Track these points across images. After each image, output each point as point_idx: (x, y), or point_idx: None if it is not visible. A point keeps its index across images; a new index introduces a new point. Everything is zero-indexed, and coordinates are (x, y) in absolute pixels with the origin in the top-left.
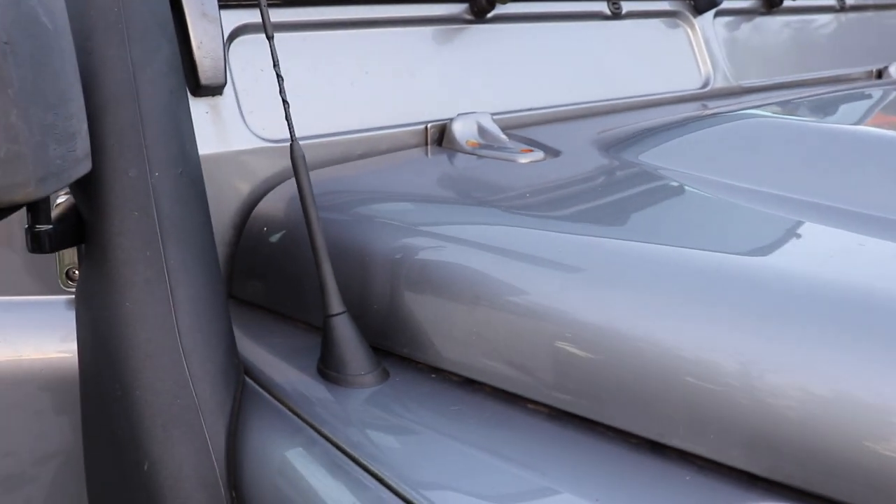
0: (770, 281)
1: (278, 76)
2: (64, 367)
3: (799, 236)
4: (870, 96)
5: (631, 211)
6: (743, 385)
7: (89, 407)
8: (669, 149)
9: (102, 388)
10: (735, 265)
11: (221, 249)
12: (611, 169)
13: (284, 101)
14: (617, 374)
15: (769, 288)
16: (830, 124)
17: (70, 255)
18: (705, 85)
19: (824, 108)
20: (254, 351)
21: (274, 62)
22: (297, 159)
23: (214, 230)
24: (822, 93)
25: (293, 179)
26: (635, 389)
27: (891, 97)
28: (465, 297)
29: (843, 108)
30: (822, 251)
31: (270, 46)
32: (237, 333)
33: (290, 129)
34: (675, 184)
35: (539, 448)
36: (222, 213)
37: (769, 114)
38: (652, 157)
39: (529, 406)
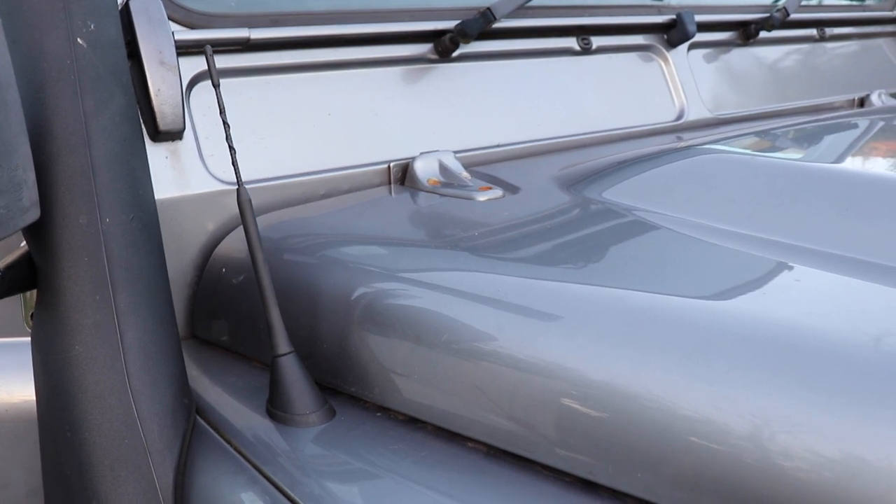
0: (718, 322)
1: (224, 123)
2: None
3: (749, 274)
4: (847, 125)
5: (581, 249)
6: (677, 425)
7: (45, 448)
8: (629, 185)
9: (55, 429)
10: (678, 306)
11: (183, 290)
12: (566, 206)
13: (231, 148)
14: (550, 414)
15: (707, 328)
16: (787, 160)
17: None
18: (679, 117)
19: (797, 139)
20: (208, 390)
21: (220, 109)
22: (243, 203)
23: (176, 272)
24: (799, 123)
25: None
26: (568, 430)
27: (866, 125)
28: (408, 336)
29: (816, 138)
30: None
31: (217, 95)
32: (195, 373)
33: (236, 174)
34: (632, 222)
35: (475, 486)
36: (183, 255)
37: (730, 149)
38: (611, 193)
39: (469, 444)
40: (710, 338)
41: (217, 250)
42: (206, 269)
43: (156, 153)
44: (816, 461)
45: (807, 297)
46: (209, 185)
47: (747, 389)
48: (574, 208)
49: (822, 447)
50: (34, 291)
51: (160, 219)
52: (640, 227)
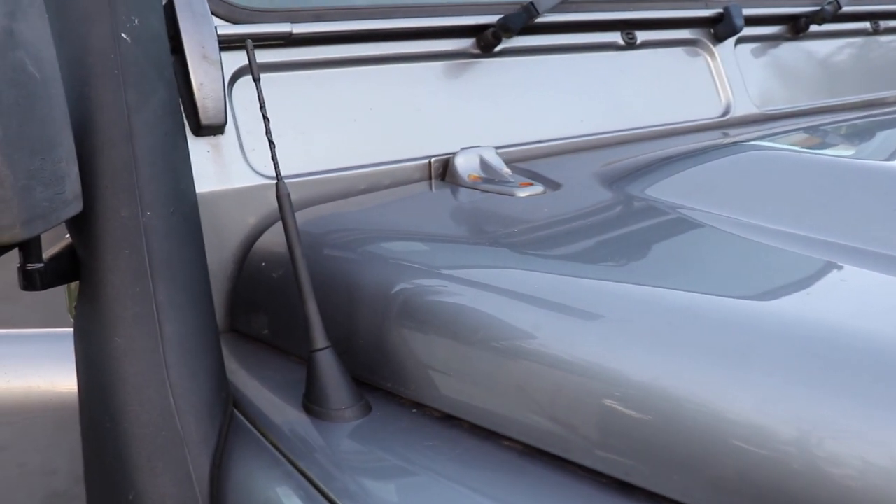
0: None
1: (265, 117)
2: None
3: (794, 274)
4: None
5: (622, 247)
6: (716, 428)
7: (86, 437)
8: (672, 182)
9: (95, 419)
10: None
11: (223, 284)
12: (607, 202)
13: (270, 142)
14: (587, 414)
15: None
16: (836, 157)
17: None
18: (725, 113)
19: (847, 135)
20: (246, 384)
21: (261, 104)
22: (282, 198)
23: (216, 265)
24: (850, 119)
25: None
26: (605, 430)
27: None
28: (445, 332)
29: (866, 134)
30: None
31: (257, 89)
32: (234, 366)
33: (276, 168)
34: (674, 219)
35: (510, 484)
36: (224, 249)
37: (776, 145)
38: (653, 190)
39: (504, 443)
40: (752, 339)
41: (257, 244)
42: (246, 263)
43: (198, 147)
44: (864, 468)
45: (854, 297)
46: (250, 180)
47: (789, 392)
48: (616, 205)
49: (869, 454)
50: (79, 283)
51: (201, 212)
52: (683, 224)
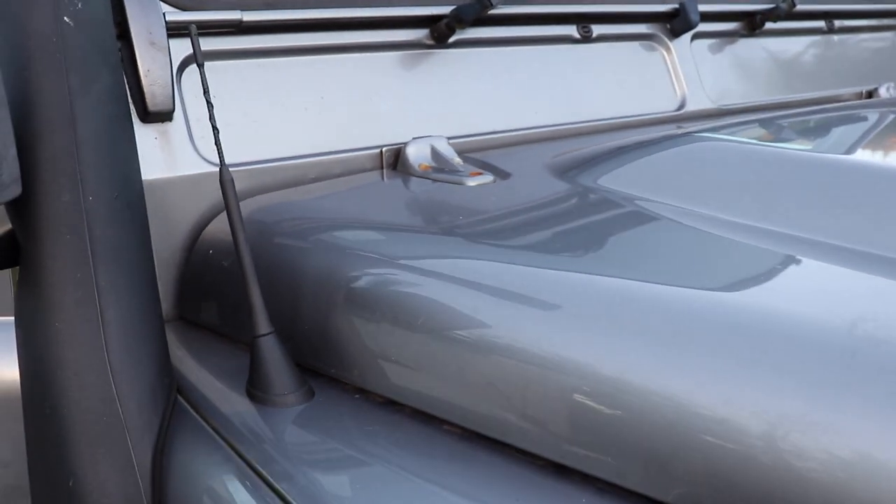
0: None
1: (208, 103)
2: None
3: (737, 263)
4: (851, 117)
5: (562, 235)
6: (644, 409)
7: (28, 425)
8: (620, 173)
9: (36, 406)
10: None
11: (171, 271)
12: (554, 192)
13: (214, 128)
14: (522, 398)
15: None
16: (783, 148)
17: None
18: (681, 107)
19: (798, 129)
20: (192, 370)
21: (204, 89)
22: (225, 184)
23: (165, 253)
24: (802, 114)
25: (242, 202)
26: (540, 414)
27: (869, 117)
28: (386, 318)
29: (817, 128)
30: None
31: (201, 74)
32: (180, 353)
33: (219, 154)
34: (623, 208)
35: (447, 467)
36: (173, 236)
37: (725, 136)
38: (602, 180)
39: (444, 427)
40: (686, 323)
41: (205, 232)
42: (194, 251)
43: (145, 134)
44: (826, 459)
45: (792, 284)
46: (199, 167)
47: (718, 375)
48: (564, 194)
49: (831, 446)
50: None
51: (149, 199)
52: (632, 214)
